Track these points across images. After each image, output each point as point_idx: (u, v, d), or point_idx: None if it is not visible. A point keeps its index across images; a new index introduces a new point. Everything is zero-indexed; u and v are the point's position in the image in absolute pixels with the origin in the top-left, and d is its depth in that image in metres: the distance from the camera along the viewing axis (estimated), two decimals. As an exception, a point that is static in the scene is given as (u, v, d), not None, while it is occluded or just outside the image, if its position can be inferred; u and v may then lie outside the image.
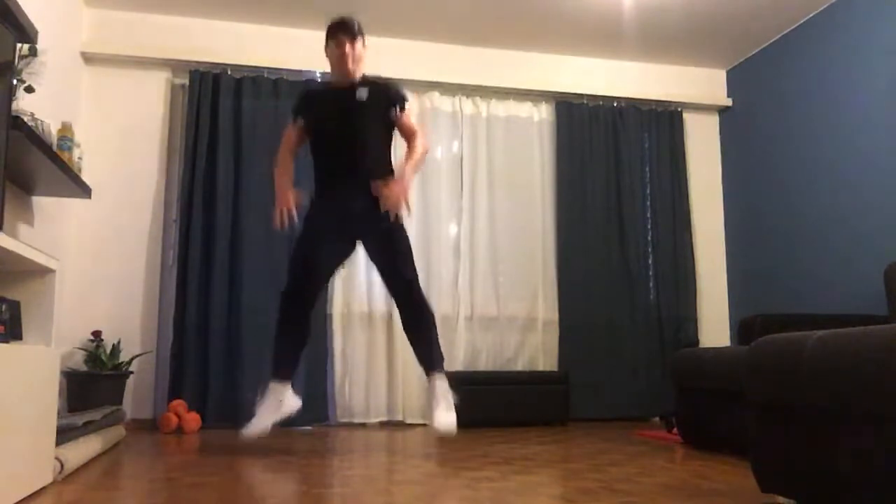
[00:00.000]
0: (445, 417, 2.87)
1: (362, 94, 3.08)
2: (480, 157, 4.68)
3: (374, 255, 3.07)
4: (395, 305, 3.09)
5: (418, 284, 3.02)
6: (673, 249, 4.80)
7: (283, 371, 3.02)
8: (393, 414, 4.30)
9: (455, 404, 2.96)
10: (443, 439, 3.49)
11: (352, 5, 4.24)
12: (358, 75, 3.13)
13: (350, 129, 3.05)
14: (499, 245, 4.62)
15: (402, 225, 3.03)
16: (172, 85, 4.38)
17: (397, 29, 4.53)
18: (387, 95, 3.12)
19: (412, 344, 3.03)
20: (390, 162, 3.16)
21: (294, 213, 3.04)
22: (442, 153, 4.63)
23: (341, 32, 3.05)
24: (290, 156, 3.19)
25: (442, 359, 3.03)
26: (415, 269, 3.03)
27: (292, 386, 3.10)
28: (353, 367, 4.30)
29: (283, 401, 3.00)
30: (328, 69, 4.39)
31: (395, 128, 3.16)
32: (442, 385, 2.95)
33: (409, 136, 3.14)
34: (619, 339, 4.62)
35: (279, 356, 3.03)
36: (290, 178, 3.14)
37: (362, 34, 3.12)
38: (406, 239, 3.04)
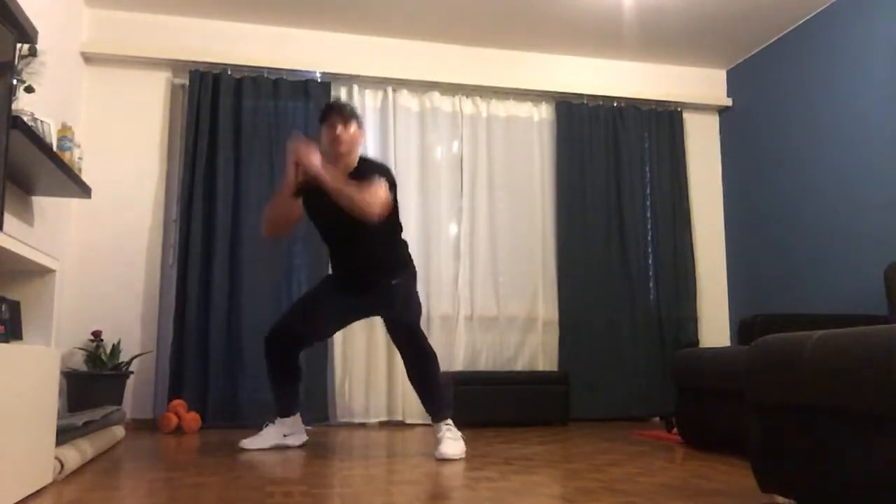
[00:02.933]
0: (452, 444, 2.83)
1: None
2: (480, 157, 4.68)
3: (380, 313, 3.12)
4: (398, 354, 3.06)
5: (422, 334, 2.98)
6: (673, 249, 4.80)
7: (285, 408, 3.15)
8: (393, 414, 4.30)
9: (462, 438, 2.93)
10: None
11: (352, 5, 4.24)
12: (352, 158, 2.97)
13: (340, 226, 2.93)
14: (499, 245, 4.62)
15: (409, 290, 3.04)
16: (172, 85, 4.38)
17: (397, 29, 4.53)
18: (365, 177, 2.85)
19: (416, 392, 2.99)
20: (390, 253, 3.04)
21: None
22: (442, 153, 4.63)
23: (333, 114, 2.94)
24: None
25: (447, 406, 2.97)
26: (415, 318, 3.01)
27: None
28: (353, 367, 4.30)
29: (290, 434, 3.14)
30: (328, 69, 4.44)
31: (392, 215, 2.98)
32: (448, 428, 2.90)
33: None
34: (619, 339, 4.62)
35: (276, 395, 3.15)
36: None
37: (357, 118, 2.99)
38: (409, 294, 3.03)
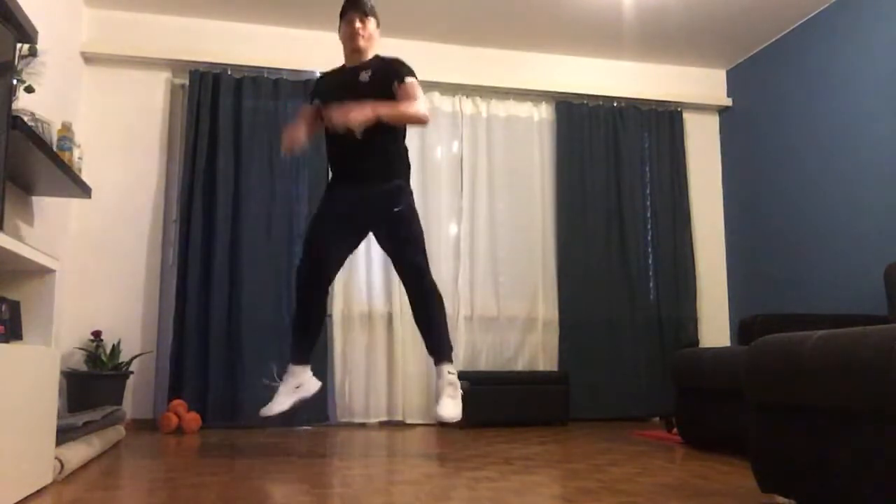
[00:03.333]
0: (450, 405, 2.83)
1: (366, 75, 2.97)
2: (480, 157, 4.68)
3: (383, 243, 3.05)
4: (404, 292, 3.02)
5: (428, 272, 2.96)
6: (673, 249, 4.80)
7: (301, 353, 3.05)
8: (393, 414, 4.30)
9: (463, 392, 2.92)
10: (444, 437, 3.50)
11: (352, 5, 4.24)
12: (368, 55, 3.04)
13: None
14: (499, 245, 4.62)
15: (412, 213, 2.99)
16: (172, 85, 4.38)
17: (397, 29, 4.53)
18: (389, 73, 2.95)
19: (421, 332, 2.98)
20: (398, 150, 3.03)
21: (301, 142, 2.96)
22: (442, 153, 4.63)
23: (352, 9, 2.99)
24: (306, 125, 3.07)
25: (450, 348, 2.97)
26: (425, 257, 2.98)
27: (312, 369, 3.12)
28: (353, 367, 4.30)
29: (301, 384, 3.03)
30: (328, 69, 4.43)
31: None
32: (449, 375, 2.90)
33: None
34: (619, 339, 4.62)
35: (296, 339, 3.06)
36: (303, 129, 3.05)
37: (375, 14, 3.04)
38: (415, 225, 2.99)
